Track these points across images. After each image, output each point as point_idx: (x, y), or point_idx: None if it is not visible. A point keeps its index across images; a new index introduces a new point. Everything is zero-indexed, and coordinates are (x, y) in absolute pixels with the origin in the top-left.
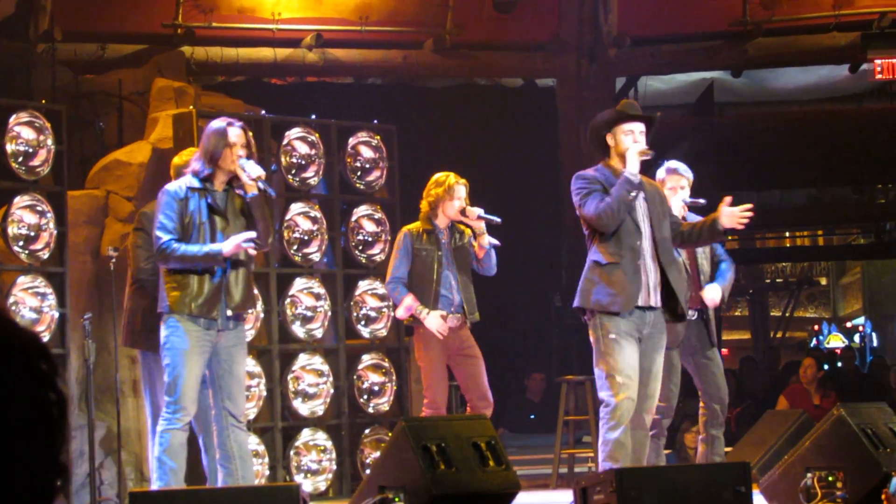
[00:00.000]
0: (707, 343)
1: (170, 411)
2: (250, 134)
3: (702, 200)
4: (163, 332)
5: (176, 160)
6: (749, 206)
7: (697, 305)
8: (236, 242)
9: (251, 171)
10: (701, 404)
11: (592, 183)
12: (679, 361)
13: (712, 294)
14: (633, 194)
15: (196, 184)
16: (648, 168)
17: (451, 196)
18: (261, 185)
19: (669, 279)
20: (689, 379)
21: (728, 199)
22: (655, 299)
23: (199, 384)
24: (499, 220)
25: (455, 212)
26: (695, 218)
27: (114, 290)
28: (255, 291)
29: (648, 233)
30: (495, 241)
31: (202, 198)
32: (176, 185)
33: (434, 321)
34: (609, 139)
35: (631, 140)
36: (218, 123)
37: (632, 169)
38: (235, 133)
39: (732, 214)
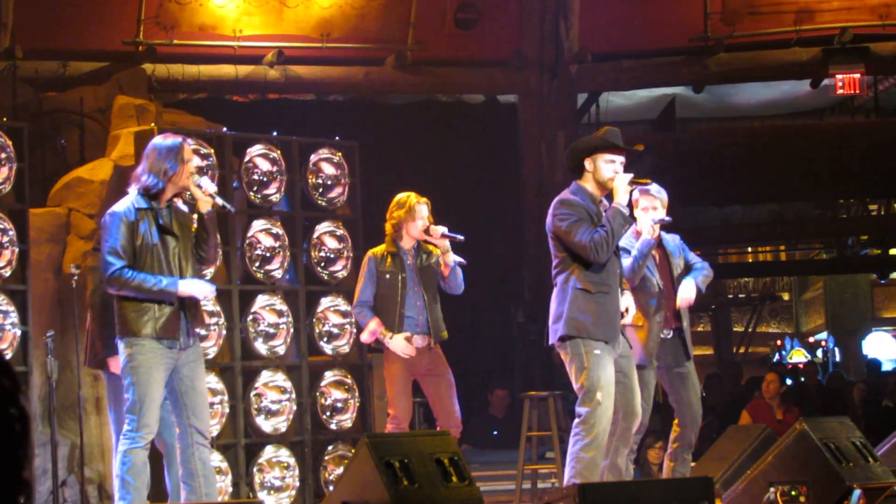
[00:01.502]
0: (682, 358)
1: (132, 430)
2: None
3: (668, 218)
4: (124, 353)
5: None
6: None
7: (673, 325)
8: (194, 290)
9: (207, 188)
10: (675, 421)
11: (578, 209)
12: (653, 379)
13: (685, 293)
14: (626, 228)
15: (143, 203)
16: None
17: (413, 217)
18: (219, 200)
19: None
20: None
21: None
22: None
23: (161, 402)
24: (462, 237)
25: (419, 231)
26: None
27: (76, 308)
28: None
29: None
30: (460, 259)
31: (151, 219)
32: (124, 207)
33: (398, 344)
34: (588, 163)
35: (611, 170)
36: (172, 139)
37: (622, 201)
38: (188, 150)
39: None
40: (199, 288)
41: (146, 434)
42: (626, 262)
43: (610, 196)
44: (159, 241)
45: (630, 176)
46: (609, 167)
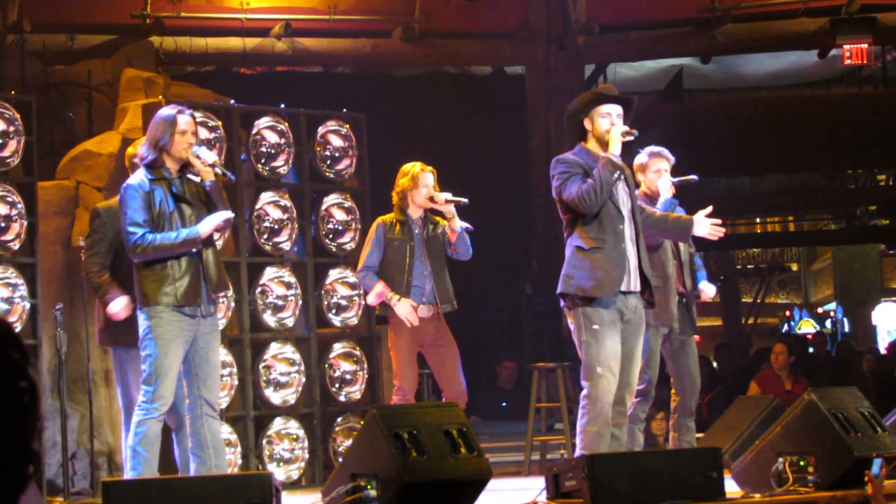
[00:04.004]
0: (687, 329)
1: (147, 401)
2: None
3: (693, 177)
4: (144, 323)
5: (130, 150)
6: (720, 225)
7: (680, 290)
8: (214, 224)
9: (206, 158)
10: (672, 391)
11: (573, 167)
12: (658, 346)
13: (710, 290)
14: (616, 175)
15: (154, 174)
16: (626, 151)
17: (416, 184)
18: (218, 170)
19: (641, 262)
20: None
21: (709, 209)
22: (636, 283)
23: (178, 375)
24: (466, 200)
25: (423, 199)
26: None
27: (85, 281)
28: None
29: (628, 216)
30: (467, 225)
31: (165, 188)
32: (137, 179)
33: (404, 308)
34: (586, 123)
35: (608, 122)
36: (167, 111)
37: (614, 151)
38: (185, 120)
39: (706, 224)
40: (218, 218)
41: (161, 406)
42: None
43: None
44: (175, 209)
45: (624, 127)
46: (605, 120)
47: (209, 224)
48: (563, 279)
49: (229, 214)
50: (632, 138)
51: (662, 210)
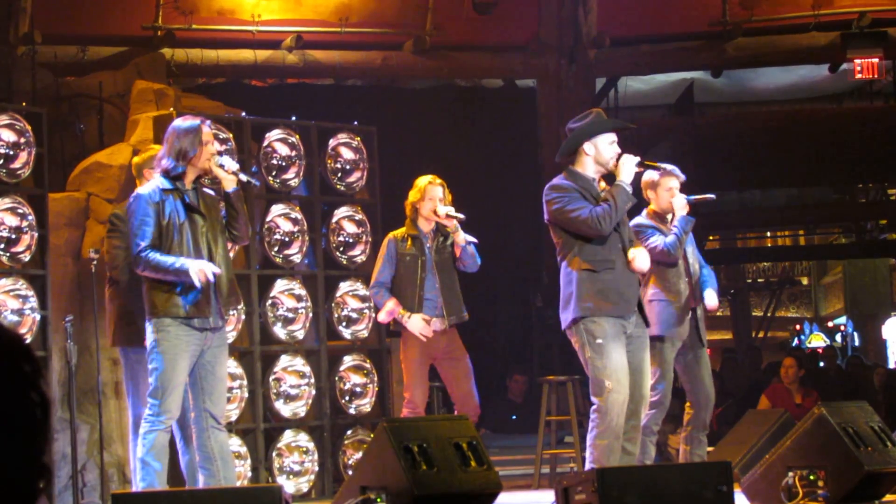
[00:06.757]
0: (697, 343)
1: (154, 413)
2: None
3: (711, 196)
4: (152, 335)
5: (136, 159)
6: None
7: (692, 304)
8: (201, 269)
9: (229, 166)
10: (687, 403)
11: (570, 191)
12: (672, 357)
13: (712, 300)
14: (629, 205)
15: (167, 185)
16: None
17: (423, 197)
18: (242, 176)
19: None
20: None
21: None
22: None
23: (184, 388)
24: (462, 216)
25: (428, 212)
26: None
27: (95, 293)
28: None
29: (625, 239)
30: (472, 239)
31: (177, 198)
32: (148, 189)
33: (416, 324)
34: (588, 147)
35: (614, 150)
36: (190, 121)
37: (627, 179)
38: (207, 131)
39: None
40: (207, 267)
41: (167, 419)
42: (665, 239)
43: (607, 178)
44: (187, 220)
45: (638, 158)
46: (612, 148)
47: (196, 269)
48: (575, 302)
49: (216, 269)
50: (662, 170)
51: (679, 227)
